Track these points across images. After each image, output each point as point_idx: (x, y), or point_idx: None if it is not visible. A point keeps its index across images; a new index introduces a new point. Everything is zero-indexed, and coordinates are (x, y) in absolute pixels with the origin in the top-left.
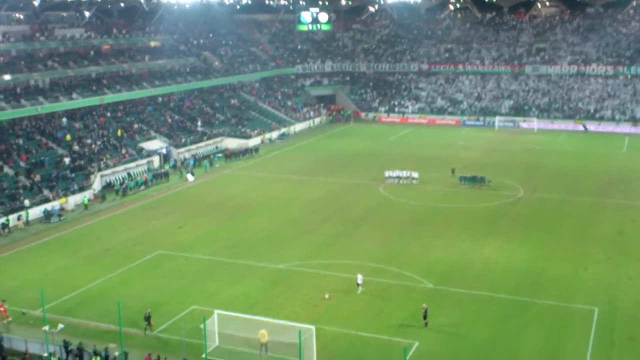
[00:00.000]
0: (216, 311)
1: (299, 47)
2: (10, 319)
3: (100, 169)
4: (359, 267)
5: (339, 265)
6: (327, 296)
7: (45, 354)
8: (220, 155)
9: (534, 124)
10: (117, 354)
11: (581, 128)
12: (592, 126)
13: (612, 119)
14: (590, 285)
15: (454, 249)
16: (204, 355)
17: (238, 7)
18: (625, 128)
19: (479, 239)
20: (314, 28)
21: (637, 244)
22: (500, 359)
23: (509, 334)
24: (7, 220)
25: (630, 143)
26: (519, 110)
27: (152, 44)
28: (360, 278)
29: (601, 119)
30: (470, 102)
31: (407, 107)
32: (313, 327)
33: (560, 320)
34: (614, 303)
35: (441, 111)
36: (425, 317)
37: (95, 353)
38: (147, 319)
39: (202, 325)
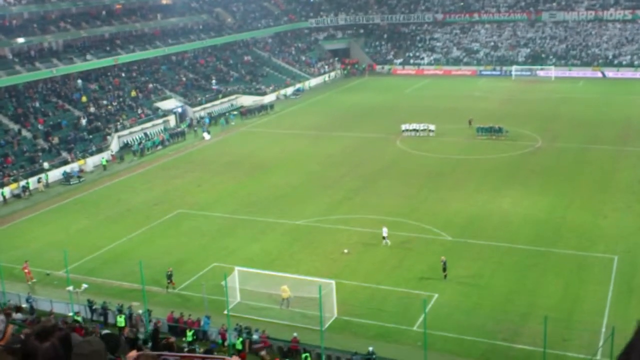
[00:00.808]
0: (237, 268)
1: (312, 0)
2: (34, 280)
3: (117, 130)
4: (378, 221)
5: (358, 219)
6: (346, 251)
7: (71, 314)
8: (235, 112)
9: (551, 72)
10: (140, 312)
11: (599, 74)
12: (610, 72)
13: (631, 64)
14: (610, 233)
15: (472, 201)
16: (226, 312)
17: None
18: None
19: (497, 191)
20: None
21: None
22: (520, 308)
23: (528, 284)
24: (28, 183)
25: None
26: (536, 59)
27: (164, 1)
28: (385, 231)
29: (620, 65)
30: (487, 51)
31: (422, 58)
32: (333, 282)
33: (580, 269)
34: (634, 251)
35: (457, 62)
36: (444, 269)
37: (120, 311)
38: (169, 277)
39: (223, 282)
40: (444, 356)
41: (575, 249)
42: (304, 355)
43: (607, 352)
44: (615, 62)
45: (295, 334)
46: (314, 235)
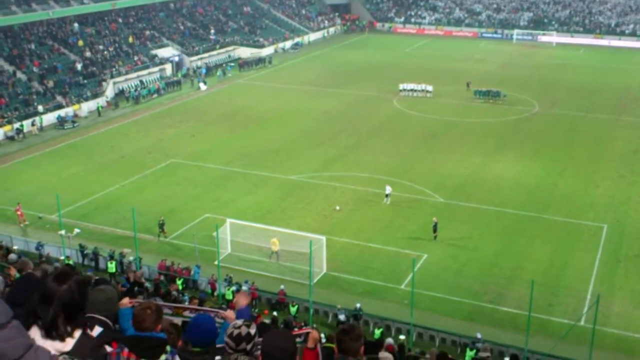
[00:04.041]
0: (228, 219)
1: None
2: (27, 222)
3: (112, 76)
4: (371, 180)
5: (351, 177)
6: (338, 207)
7: (62, 257)
8: (233, 64)
9: (553, 37)
10: (132, 258)
11: (600, 42)
12: (612, 41)
13: (634, 34)
14: (601, 202)
15: (466, 164)
16: (216, 262)
17: None
18: None
19: (491, 154)
20: None
21: None
22: (506, 272)
23: (516, 248)
24: (22, 125)
25: None
26: (538, 23)
27: None
28: (388, 189)
29: (622, 34)
30: (489, 13)
31: (423, 17)
32: (324, 238)
33: (569, 236)
34: (623, 221)
35: (458, 23)
36: (435, 230)
37: (111, 257)
38: (161, 226)
39: (214, 233)
40: (430, 315)
41: (565, 216)
42: (293, 308)
43: (591, 319)
44: (618, 30)
45: (282, 287)
46: (306, 191)
